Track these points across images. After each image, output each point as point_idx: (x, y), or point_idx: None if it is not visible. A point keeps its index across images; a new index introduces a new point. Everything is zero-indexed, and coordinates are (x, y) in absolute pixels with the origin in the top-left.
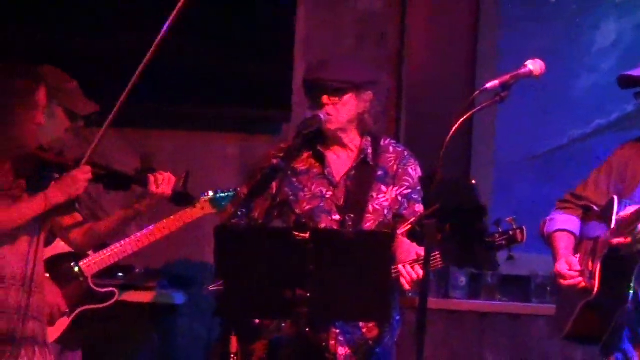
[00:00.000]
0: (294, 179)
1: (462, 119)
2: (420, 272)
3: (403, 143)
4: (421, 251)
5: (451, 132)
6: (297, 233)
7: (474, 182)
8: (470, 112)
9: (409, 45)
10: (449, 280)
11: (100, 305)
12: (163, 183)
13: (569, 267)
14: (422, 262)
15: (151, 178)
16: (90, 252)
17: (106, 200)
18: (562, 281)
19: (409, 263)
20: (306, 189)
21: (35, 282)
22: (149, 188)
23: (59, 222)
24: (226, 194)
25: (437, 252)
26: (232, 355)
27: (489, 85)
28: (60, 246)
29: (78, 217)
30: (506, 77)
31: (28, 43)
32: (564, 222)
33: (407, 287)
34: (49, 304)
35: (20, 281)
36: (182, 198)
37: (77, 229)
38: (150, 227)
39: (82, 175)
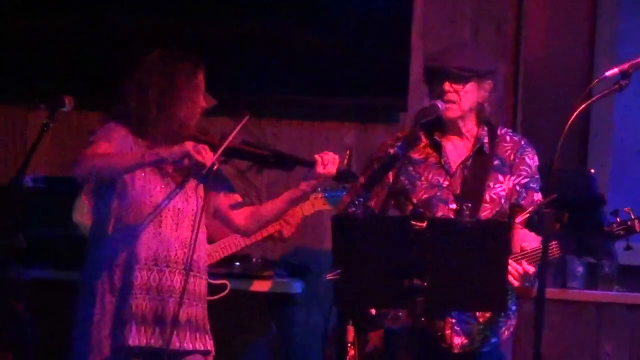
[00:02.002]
0: (410, 168)
1: (580, 108)
2: (527, 267)
3: (520, 132)
4: (528, 243)
5: (569, 122)
6: (414, 222)
7: (592, 171)
8: (589, 101)
9: (526, 33)
10: (566, 270)
11: (212, 298)
12: (329, 163)
13: None
14: (527, 255)
15: (318, 159)
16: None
17: None
18: None
19: (513, 258)
20: (422, 178)
21: (194, 266)
22: (316, 168)
23: (219, 205)
24: (337, 192)
25: (554, 242)
26: (349, 344)
27: (608, 73)
28: None
29: (237, 197)
30: (626, 66)
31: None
32: None
33: (515, 283)
34: None
35: (182, 265)
36: (346, 176)
37: (240, 212)
38: None
39: (178, 148)
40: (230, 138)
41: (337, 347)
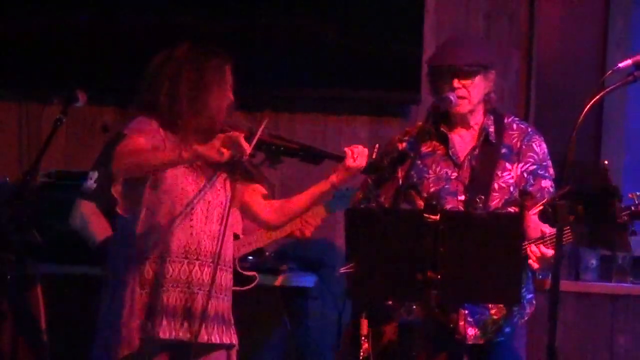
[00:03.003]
0: (419, 162)
1: (594, 100)
2: (545, 251)
3: (532, 123)
4: (548, 228)
5: (582, 114)
6: (427, 215)
7: (606, 163)
8: (602, 93)
9: (539, 25)
10: (580, 263)
11: (242, 288)
12: (359, 156)
13: None
14: (546, 240)
15: (348, 152)
16: (240, 235)
17: None
18: None
19: (534, 242)
20: (431, 171)
21: (222, 260)
22: (346, 162)
23: (246, 199)
24: (342, 192)
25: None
26: (363, 338)
27: (622, 64)
28: None
29: (263, 191)
30: (639, 57)
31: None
32: None
33: (535, 266)
34: None
35: (210, 258)
36: (375, 169)
37: (267, 205)
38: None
39: (217, 141)
40: (261, 129)
41: (351, 341)
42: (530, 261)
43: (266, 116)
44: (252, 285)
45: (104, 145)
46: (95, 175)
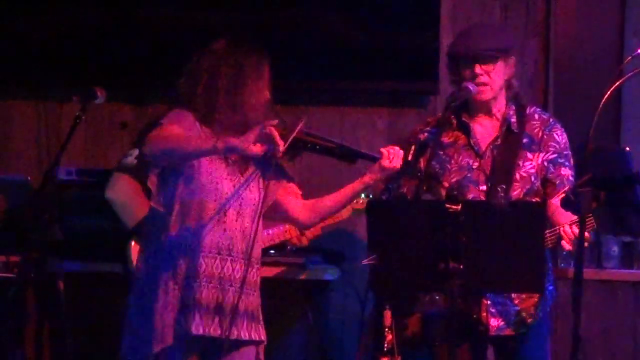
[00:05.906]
0: (441, 152)
1: (614, 86)
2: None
3: (551, 112)
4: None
5: (602, 102)
6: (449, 205)
7: (627, 149)
8: (621, 80)
9: (556, 13)
10: (602, 251)
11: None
12: (394, 157)
13: None
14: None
15: (384, 152)
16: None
17: None
18: None
19: (569, 224)
20: (453, 161)
21: (253, 257)
22: (382, 162)
23: (279, 197)
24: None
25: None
26: (386, 330)
27: None
28: None
29: (297, 190)
30: None
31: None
32: None
33: (567, 247)
34: None
35: (242, 255)
36: (409, 170)
37: (300, 205)
38: None
39: (251, 134)
40: (298, 129)
41: (374, 333)
42: (564, 243)
43: (305, 114)
44: None
45: (141, 129)
46: (135, 152)
